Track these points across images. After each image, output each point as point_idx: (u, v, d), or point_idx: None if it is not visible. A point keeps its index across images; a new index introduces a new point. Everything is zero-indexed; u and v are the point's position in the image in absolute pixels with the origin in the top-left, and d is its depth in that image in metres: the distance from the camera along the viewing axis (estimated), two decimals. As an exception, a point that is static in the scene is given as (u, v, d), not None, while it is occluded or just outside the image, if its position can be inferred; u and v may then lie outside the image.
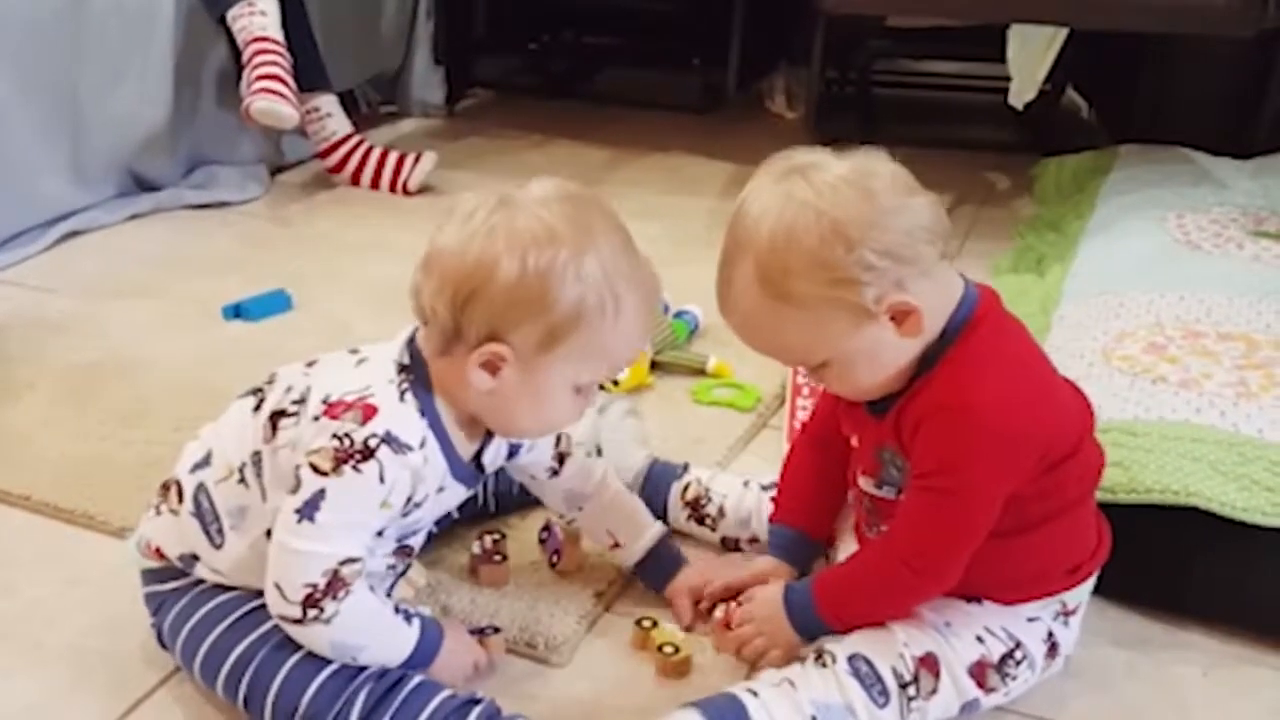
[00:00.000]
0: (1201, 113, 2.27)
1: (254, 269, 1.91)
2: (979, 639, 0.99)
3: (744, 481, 1.24)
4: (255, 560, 0.96)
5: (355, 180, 2.32)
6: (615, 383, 1.50)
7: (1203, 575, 1.13)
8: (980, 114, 2.84)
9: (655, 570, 1.14)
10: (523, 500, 1.24)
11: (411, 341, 0.97)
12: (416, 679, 0.95)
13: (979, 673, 0.99)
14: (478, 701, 0.94)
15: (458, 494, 1.01)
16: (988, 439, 0.92)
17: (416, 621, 0.98)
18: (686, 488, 1.24)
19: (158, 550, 1.01)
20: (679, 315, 1.68)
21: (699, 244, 2.14)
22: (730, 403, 1.52)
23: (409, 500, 0.94)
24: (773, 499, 1.17)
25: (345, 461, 0.90)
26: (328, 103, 2.31)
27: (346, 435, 0.90)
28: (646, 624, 1.09)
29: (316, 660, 0.94)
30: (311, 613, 0.91)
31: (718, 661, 1.07)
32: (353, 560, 0.92)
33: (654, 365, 1.58)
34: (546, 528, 1.20)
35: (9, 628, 1.09)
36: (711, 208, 2.30)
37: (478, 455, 1.01)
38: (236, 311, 1.73)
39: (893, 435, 0.97)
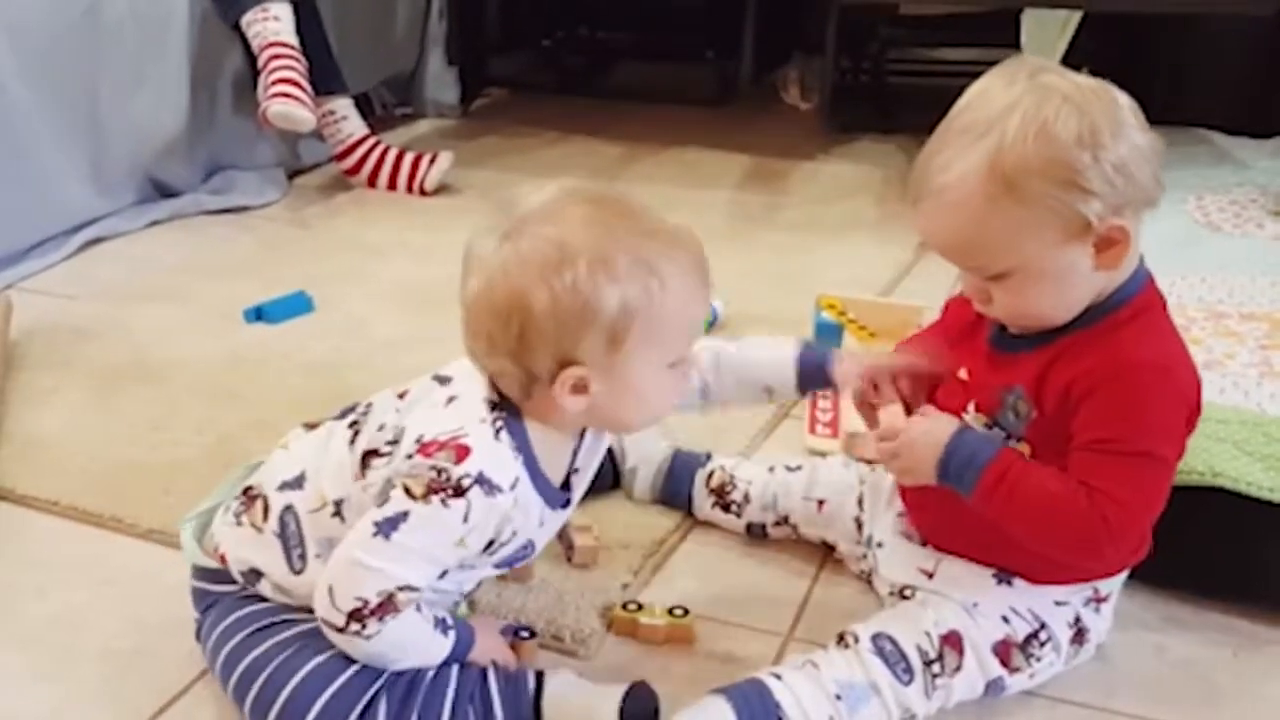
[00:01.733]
0: (1219, 93, 2.26)
1: (274, 272, 1.92)
2: (1004, 619, 0.99)
3: (769, 467, 1.24)
4: None
5: (372, 182, 2.33)
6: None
7: (1230, 556, 1.13)
8: (996, 100, 2.83)
9: (816, 378, 1.10)
10: (589, 486, 1.25)
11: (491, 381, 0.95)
12: (430, 674, 0.94)
13: (1003, 652, 0.99)
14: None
15: (559, 519, 1.00)
16: (1178, 403, 0.93)
17: (452, 633, 0.97)
18: (711, 475, 1.25)
19: (223, 556, 1.00)
20: (698, 308, 1.67)
21: (717, 237, 2.16)
22: (751, 394, 1.52)
23: (492, 542, 0.93)
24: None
25: (438, 493, 0.88)
26: (343, 105, 2.32)
27: (442, 470, 0.89)
28: (632, 608, 1.10)
29: (352, 686, 0.92)
30: (354, 626, 0.90)
31: (731, 648, 1.07)
32: (411, 589, 0.90)
33: (674, 358, 1.58)
34: None
35: (39, 631, 1.10)
36: (729, 200, 2.30)
37: (567, 475, 0.99)
38: (258, 314, 1.74)
39: (1034, 380, 0.95)
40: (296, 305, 1.77)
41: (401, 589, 0.90)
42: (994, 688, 0.99)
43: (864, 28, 2.78)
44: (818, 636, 1.06)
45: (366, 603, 0.89)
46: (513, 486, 0.91)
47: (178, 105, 2.16)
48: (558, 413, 0.92)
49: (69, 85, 2.00)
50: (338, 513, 0.95)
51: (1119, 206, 0.90)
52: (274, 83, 2.09)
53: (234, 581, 1.00)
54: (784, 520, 1.20)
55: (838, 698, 0.94)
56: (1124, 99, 0.92)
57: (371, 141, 2.34)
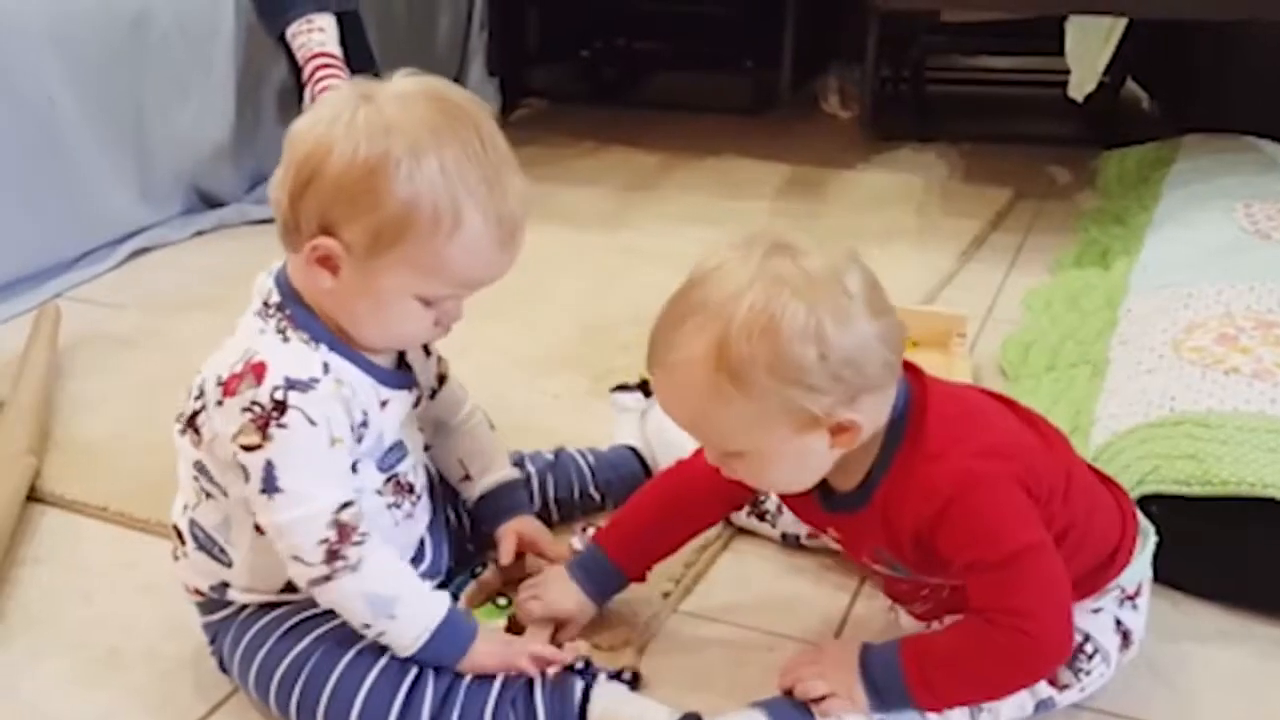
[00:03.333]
0: (1265, 100, 2.23)
1: (317, 281, 1.93)
2: None
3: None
4: (265, 558, 0.95)
5: (413, 191, 2.34)
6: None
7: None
8: (1039, 108, 2.81)
9: (493, 509, 1.12)
10: (586, 506, 1.25)
11: (280, 275, 0.95)
12: (468, 678, 0.95)
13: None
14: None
15: (405, 401, 1.00)
16: (1009, 493, 0.89)
17: (448, 595, 0.97)
18: (743, 483, 1.24)
19: (195, 589, 1.03)
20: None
21: (756, 246, 2.16)
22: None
23: (357, 426, 0.93)
24: (609, 516, 1.12)
25: (267, 426, 0.88)
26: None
27: (254, 402, 0.88)
28: (503, 601, 1.11)
29: (369, 661, 0.94)
30: (338, 564, 0.90)
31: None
32: (346, 505, 0.90)
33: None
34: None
35: (86, 635, 1.12)
36: (768, 209, 2.29)
37: (400, 361, 1.00)
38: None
39: (886, 540, 0.94)
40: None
41: (338, 510, 0.90)
42: (1043, 706, 0.98)
43: (904, 35, 2.76)
44: (860, 647, 1.05)
45: (328, 540, 0.89)
46: (326, 370, 0.91)
47: (223, 116, 2.19)
48: (309, 286, 0.92)
49: (116, 97, 2.03)
50: (208, 495, 0.96)
51: (849, 399, 0.86)
52: (322, 90, 2.11)
53: (222, 605, 1.01)
54: (817, 534, 1.19)
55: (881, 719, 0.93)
56: (855, 284, 0.86)
57: (413, 151, 2.35)
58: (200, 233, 2.15)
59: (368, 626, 0.93)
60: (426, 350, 1.08)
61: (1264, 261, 1.54)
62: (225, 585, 1.00)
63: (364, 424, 0.94)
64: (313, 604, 0.96)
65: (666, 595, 1.15)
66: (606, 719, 0.94)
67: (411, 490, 1.03)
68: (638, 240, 2.07)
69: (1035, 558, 0.89)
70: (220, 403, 0.90)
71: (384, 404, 0.97)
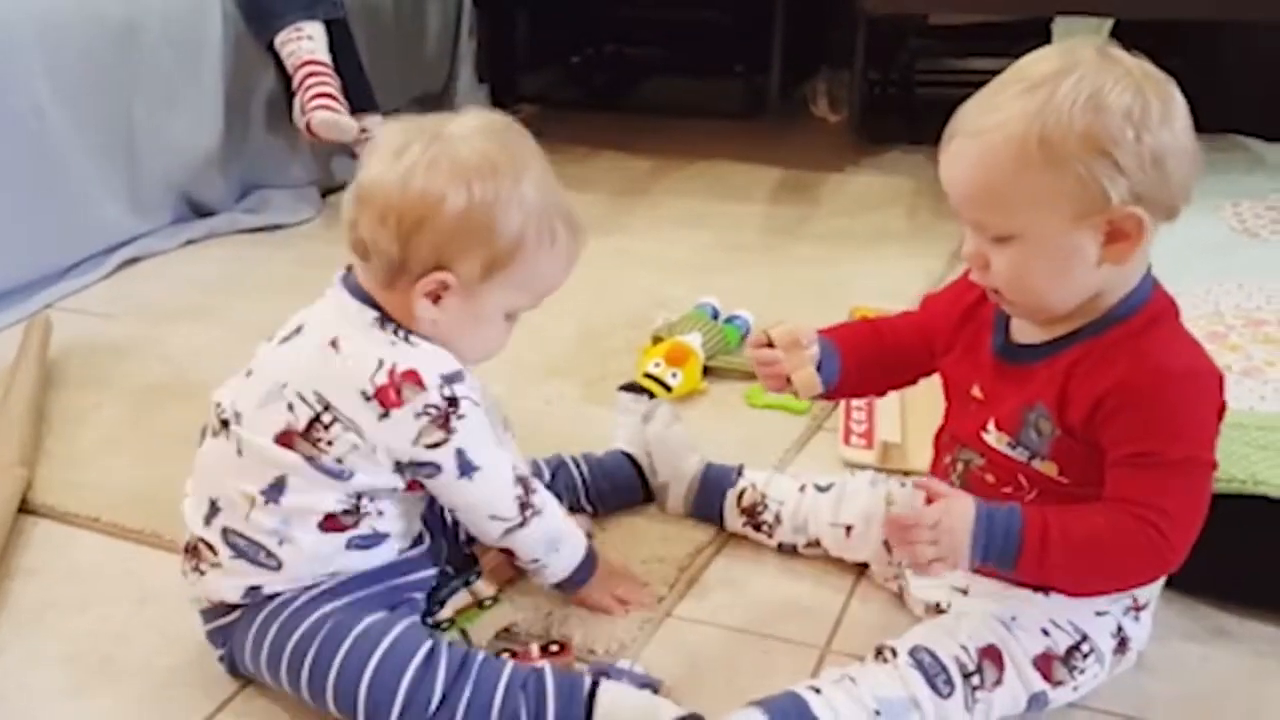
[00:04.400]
0: (1254, 100, 2.24)
1: (310, 289, 1.89)
2: (1044, 631, 0.98)
3: (800, 486, 1.22)
4: (324, 551, 0.99)
5: (404, 198, 2.35)
6: (668, 388, 1.50)
7: (1275, 566, 1.11)
8: (1027, 109, 2.81)
9: None
10: (619, 502, 1.27)
11: (356, 291, 1.00)
12: (482, 655, 0.98)
13: (1044, 665, 0.97)
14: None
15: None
16: (1212, 407, 0.93)
17: (584, 536, 1.11)
18: (742, 494, 1.24)
19: (221, 602, 1.02)
20: (730, 320, 1.68)
21: (750, 250, 2.17)
22: (784, 406, 1.51)
23: None
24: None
25: (448, 421, 0.96)
26: (375, 123, 2.33)
27: (427, 406, 0.95)
28: (488, 603, 1.12)
29: (400, 650, 0.95)
30: (528, 511, 1.03)
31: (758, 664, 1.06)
32: (517, 467, 1.03)
33: (707, 371, 1.58)
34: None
35: (81, 645, 1.11)
36: (760, 213, 2.30)
37: None
38: (293, 331, 1.75)
39: (1054, 397, 0.94)
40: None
41: (516, 471, 1.03)
42: (1036, 701, 0.98)
43: (892, 39, 2.77)
44: (854, 650, 1.05)
45: (519, 495, 1.02)
46: (462, 363, 0.99)
47: (212, 125, 2.19)
48: (408, 318, 0.98)
49: (104, 106, 2.03)
50: (268, 501, 0.97)
51: (1143, 196, 0.88)
52: (313, 96, 2.12)
53: (238, 607, 1.01)
54: (815, 543, 1.20)
55: (877, 713, 0.93)
56: (1181, 99, 0.90)
57: (403, 159, 2.35)
58: (190, 242, 2.15)
59: (535, 561, 1.07)
60: None
61: (1253, 260, 1.54)
62: (256, 589, 1.00)
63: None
64: (324, 586, 0.99)
65: (661, 600, 1.15)
66: (614, 708, 0.95)
67: None
68: (630, 245, 2.07)
69: (1204, 473, 0.92)
70: (385, 415, 0.96)
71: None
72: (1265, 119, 2.14)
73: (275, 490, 0.98)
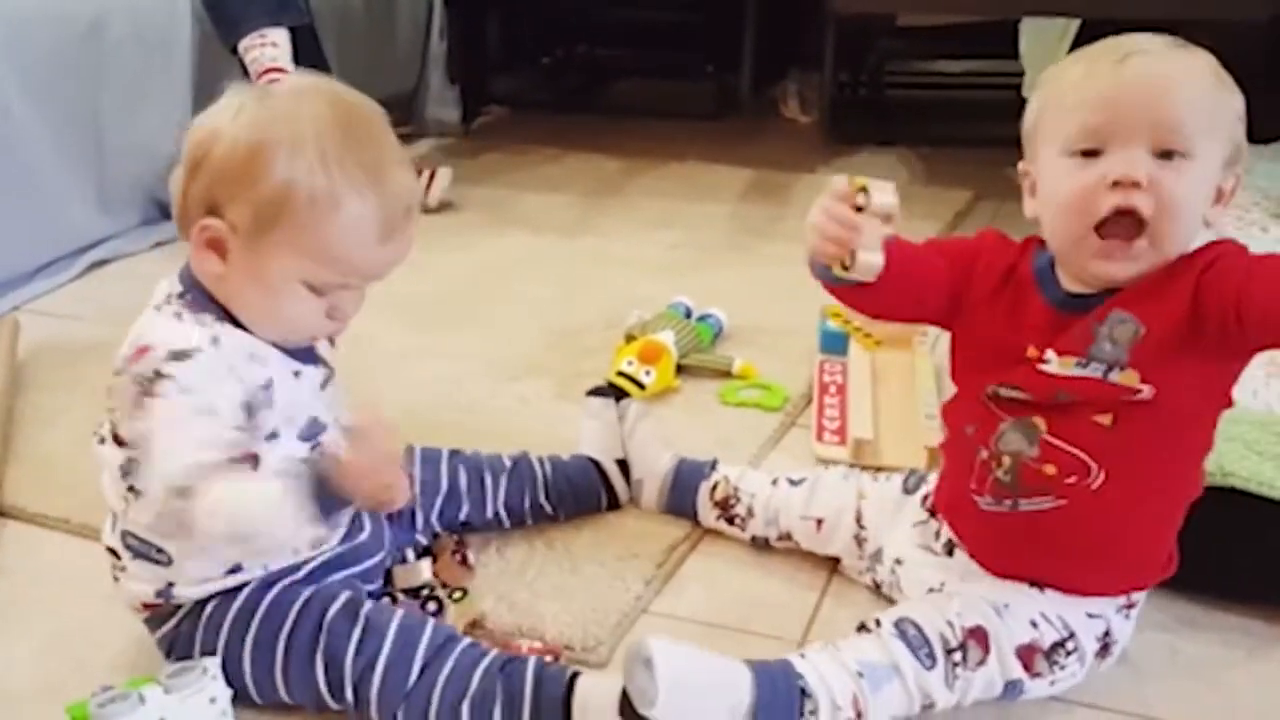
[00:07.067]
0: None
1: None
2: (1033, 623, 0.98)
3: (773, 480, 1.23)
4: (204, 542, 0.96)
5: (374, 199, 2.34)
6: (642, 386, 1.50)
7: (1244, 556, 1.13)
8: (996, 110, 2.83)
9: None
10: (537, 515, 1.25)
11: (182, 271, 0.98)
12: (465, 642, 0.97)
13: (1027, 655, 0.98)
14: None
15: (315, 376, 1.02)
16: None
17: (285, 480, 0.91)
18: (715, 487, 1.24)
19: (144, 604, 1.03)
20: (703, 319, 1.68)
21: (720, 249, 2.17)
22: (758, 403, 1.52)
23: (262, 388, 0.95)
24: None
25: (144, 396, 0.90)
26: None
27: (137, 376, 0.91)
28: (458, 595, 1.12)
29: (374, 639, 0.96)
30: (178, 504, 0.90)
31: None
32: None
33: (680, 369, 1.59)
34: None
35: (52, 646, 1.10)
36: (731, 213, 2.31)
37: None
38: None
39: (1138, 309, 0.92)
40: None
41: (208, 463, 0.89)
42: (1012, 689, 0.99)
43: (862, 40, 2.79)
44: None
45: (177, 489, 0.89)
46: (214, 342, 0.93)
47: (181, 125, 2.12)
48: (203, 274, 0.95)
49: (71, 106, 2.01)
50: (135, 494, 0.95)
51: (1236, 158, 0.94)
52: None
53: (172, 612, 1.02)
54: (786, 536, 1.20)
55: (859, 675, 0.94)
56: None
57: (373, 160, 2.34)
58: (160, 244, 2.14)
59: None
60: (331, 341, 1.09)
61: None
62: (171, 585, 1.01)
63: (265, 388, 0.95)
64: (261, 582, 0.99)
65: (638, 597, 1.15)
66: (589, 689, 0.95)
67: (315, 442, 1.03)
68: (602, 245, 2.08)
69: None
70: (118, 373, 0.93)
71: (296, 374, 0.99)
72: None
73: (132, 488, 0.96)
